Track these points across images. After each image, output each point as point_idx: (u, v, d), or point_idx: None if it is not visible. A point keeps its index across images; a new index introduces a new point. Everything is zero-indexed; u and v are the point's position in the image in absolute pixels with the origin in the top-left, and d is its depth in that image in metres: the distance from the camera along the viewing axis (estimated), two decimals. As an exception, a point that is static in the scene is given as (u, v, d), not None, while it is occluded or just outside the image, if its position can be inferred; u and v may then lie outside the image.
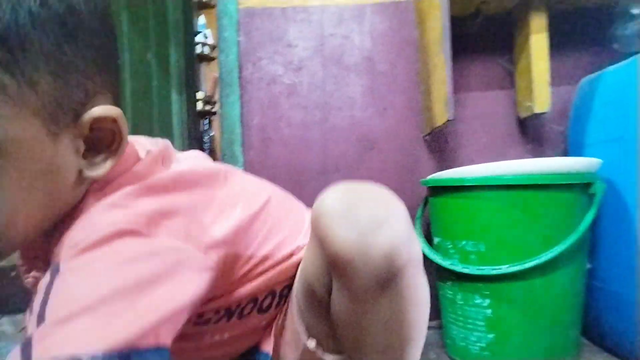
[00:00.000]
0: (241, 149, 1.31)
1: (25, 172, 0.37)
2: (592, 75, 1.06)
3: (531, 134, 1.22)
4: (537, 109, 1.09)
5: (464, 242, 0.92)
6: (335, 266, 0.40)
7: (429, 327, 0.59)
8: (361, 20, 1.26)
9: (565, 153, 1.16)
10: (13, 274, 1.71)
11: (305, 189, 1.24)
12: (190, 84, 1.24)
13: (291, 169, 1.26)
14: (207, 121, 3.41)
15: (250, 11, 1.29)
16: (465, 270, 0.90)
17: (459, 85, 1.22)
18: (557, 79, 1.17)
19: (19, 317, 1.68)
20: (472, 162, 1.20)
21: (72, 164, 0.40)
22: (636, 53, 0.91)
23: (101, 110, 0.39)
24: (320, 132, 1.26)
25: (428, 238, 1.06)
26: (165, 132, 1.14)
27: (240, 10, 1.29)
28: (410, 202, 1.17)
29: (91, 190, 0.42)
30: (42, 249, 0.44)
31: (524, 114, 1.16)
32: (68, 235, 0.39)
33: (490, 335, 0.90)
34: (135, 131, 0.97)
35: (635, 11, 1.14)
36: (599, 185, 0.87)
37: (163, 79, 1.13)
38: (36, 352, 0.31)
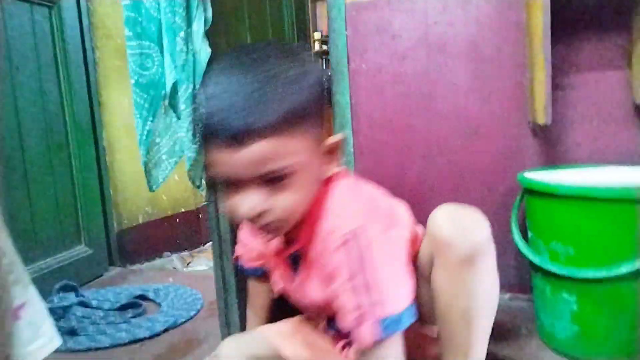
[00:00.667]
0: (351, 132, 1.45)
1: (309, 177, 0.65)
2: None
3: (649, 120, 1.16)
4: (654, 98, 1.04)
5: (553, 243, 0.98)
6: (439, 248, 0.69)
7: (524, 301, 0.80)
8: (466, 5, 1.26)
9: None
10: (178, 220, 2.14)
11: (409, 171, 1.35)
12: (302, 28, 1.38)
13: (397, 152, 1.37)
14: (324, 61, 3.53)
15: (357, 4, 1.36)
16: (554, 270, 0.97)
17: (567, 66, 1.19)
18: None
19: (184, 254, 2.12)
20: (580, 152, 1.19)
21: (319, 167, 0.67)
22: None
23: (336, 137, 0.69)
24: (425, 118, 1.34)
25: (523, 229, 1.13)
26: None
27: (347, 4, 1.37)
28: (510, 189, 1.23)
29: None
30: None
31: (639, 100, 1.11)
32: (325, 221, 0.67)
33: (576, 328, 0.98)
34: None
35: None
36: None
37: (278, 22, 1.28)
38: (373, 314, 0.60)
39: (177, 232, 2.16)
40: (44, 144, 1.61)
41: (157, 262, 2.04)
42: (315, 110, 0.63)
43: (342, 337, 0.79)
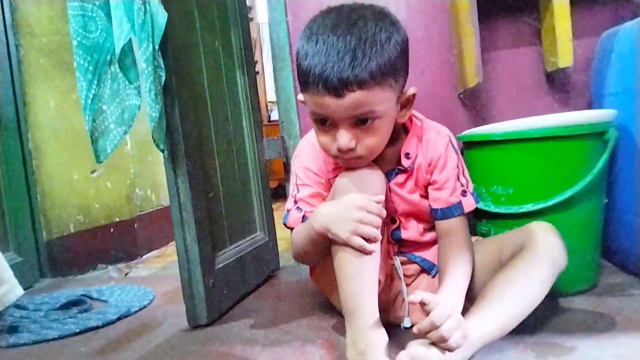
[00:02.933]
0: (297, 116, 1.51)
1: (389, 122, 0.80)
2: (612, 29, 1.16)
3: (558, 85, 1.34)
4: (561, 64, 1.21)
5: (495, 187, 1.09)
6: (541, 251, 0.85)
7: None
8: (397, -10, 1.39)
9: (589, 103, 1.29)
10: (112, 229, 2.03)
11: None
12: (249, 63, 1.43)
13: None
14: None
15: (296, -8, 1.44)
16: (497, 210, 1.08)
17: (489, 44, 1.35)
18: (581, 32, 1.28)
19: (120, 265, 2.01)
20: (503, 115, 1.34)
21: (395, 115, 0.83)
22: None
23: (412, 90, 0.83)
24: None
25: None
26: (234, 106, 1.35)
27: (287, -9, 1.45)
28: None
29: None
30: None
31: (550, 69, 1.29)
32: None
33: (519, 262, 1.09)
34: (213, 110, 1.18)
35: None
36: (611, 132, 1.01)
37: (229, 62, 1.32)
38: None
39: (112, 243, 2.04)
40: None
41: (92, 274, 1.91)
42: (400, 66, 0.77)
43: (400, 246, 0.99)
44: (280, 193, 2.55)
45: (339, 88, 0.71)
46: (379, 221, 0.75)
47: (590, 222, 1.08)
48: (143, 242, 2.16)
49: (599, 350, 0.79)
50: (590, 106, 1.30)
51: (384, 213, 0.77)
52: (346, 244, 0.75)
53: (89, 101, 0.99)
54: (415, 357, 0.71)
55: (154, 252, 2.22)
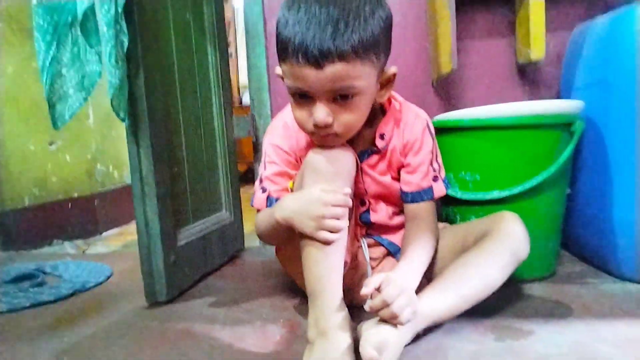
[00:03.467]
0: (268, 95, 1.47)
1: (368, 100, 0.78)
2: (584, 24, 1.18)
3: (529, 77, 1.36)
4: (534, 56, 1.23)
5: (462, 173, 1.10)
6: (504, 237, 0.86)
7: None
8: (375, -27, 1.37)
9: (558, 95, 1.31)
10: (70, 205, 1.95)
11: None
12: (222, 39, 1.38)
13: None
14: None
15: (273, -33, 1.40)
16: (464, 197, 1.09)
17: (464, 34, 1.35)
18: (554, 26, 1.29)
19: (78, 242, 1.93)
20: (474, 104, 1.34)
21: (375, 94, 0.80)
22: (626, 3, 1.03)
23: (393, 69, 0.81)
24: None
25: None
26: (204, 81, 1.30)
27: (264, -34, 1.41)
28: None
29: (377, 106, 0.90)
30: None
31: (522, 60, 1.30)
32: (379, 129, 0.90)
33: (483, 249, 1.10)
34: (181, 82, 1.14)
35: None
36: (578, 124, 1.03)
37: (200, 35, 1.28)
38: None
39: (69, 219, 1.96)
40: None
41: (47, 250, 1.83)
42: (383, 43, 0.75)
43: (367, 228, 0.99)
44: (249, 177, 2.52)
45: (319, 59, 0.68)
46: (345, 213, 0.74)
47: (552, 211, 1.10)
48: (103, 219, 2.09)
49: (556, 335, 0.81)
50: (558, 99, 1.32)
51: (350, 202, 0.75)
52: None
53: (47, 63, 0.94)
54: (367, 332, 0.72)
55: (115, 230, 2.15)
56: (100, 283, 1.24)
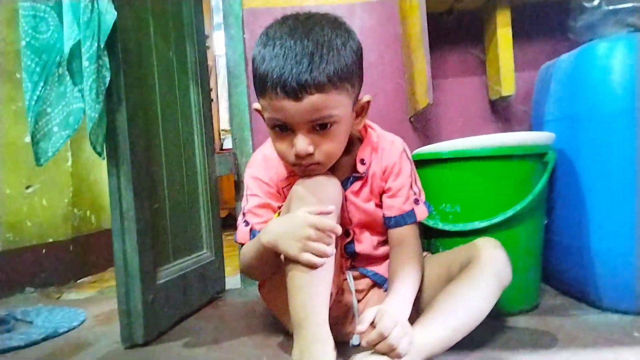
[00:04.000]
0: (250, 133, 1.49)
1: (346, 128, 0.80)
2: (550, 62, 1.25)
3: (500, 113, 1.41)
4: (504, 93, 1.28)
5: (443, 205, 1.11)
6: (487, 265, 0.86)
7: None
8: (352, 17, 1.44)
9: (530, 129, 1.36)
10: (45, 250, 1.88)
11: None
12: (204, 78, 1.41)
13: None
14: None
15: (254, 11, 1.46)
16: (446, 228, 1.10)
17: (437, 73, 1.41)
18: (523, 65, 1.36)
19: (51, 289, 1.86)
20: (451, 139, 1.38)
21: (352, 122, 0.83)
22: (589, 41, 1.09)
23: (367, 97, 0.85)
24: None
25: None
26: (186, 119, 1.32)
27: (245, 10, 1.46)
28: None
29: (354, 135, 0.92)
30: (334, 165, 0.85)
31: (493, 97, 1.35)
32: (358, 155, 0.91)
33: (466, 280, 1.10)
34: (163, 119, 1.15)
35: (587, 4, 1.32)
36: (551, 155, 1.07)
37: (183, 73, 1.30)
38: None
39: (43, 265, 1.90)
40: None
41: (18, 297, 1.75)
42: (356, 72, 0.78)
43: (352, 260, 0.98)
44: (230, 223, 2.49)
45: (297, 91, 0.71)
46: (330, 238, 0.73)
47: (532, 241, 1.11)
48: (78, 266, 2.02)
49: (543, 364, 0.80)
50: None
51: (338, 230, 0.74)
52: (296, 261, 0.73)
53: (33, 103, 0.94)
54: None
55: (90, 277, 2.08)
56: (74, 328, 1.18)
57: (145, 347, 1.01)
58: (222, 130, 4.26)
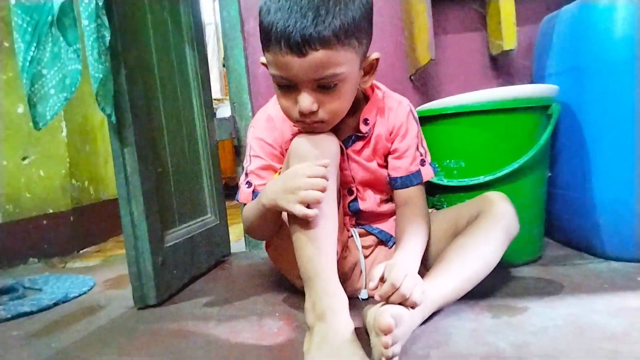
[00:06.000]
0: (249, 96, 1.47)
1: (352, 86, 0.78)
2: (551, 14, 1.23)
3: (502, 68, 1.40)
4: (506, 47, 1.27)
5: (447, 161, 1.12)
6: (497, 217, 0.87)
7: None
8: (349, -27, 1.40)
9: (532, 83, 1.35)
10: (45, 222, 1.88)
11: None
12: (200, 41, 1.38)
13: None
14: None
15: (248, -31, 1.41)
16: (450, 183, 1.11)
17: (438, 29, 1.39)
18: (523, 19, 1.34)
19: (54, 259, 1.86)
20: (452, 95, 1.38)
21: (358, 80, 0.81)
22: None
23: (375, 54, 0.82)
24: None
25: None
26: (184, 81, 1.29)
27: (239, -32, 1.42)
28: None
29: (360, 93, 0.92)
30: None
31: (495, 52, 1.34)
32: (362, 114, 0.91)
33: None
34: (162, 81, 1.13)
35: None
36: (554, 107, 1.07)
37: (178, 36, 1.27)
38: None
39: (44, 236, 1.90)
40: None
41: (21, 268, 1.76)
42: (364, 28, 0.75)
43: (357, 218, 0.99)
44: (227, 192, 2.49)
45: (301, 46, 0.68)
46: (322, 183, 0.71)
47: (536, 193, 1.12)
48: (80, 236, 2.03)
49: (550, 310, 0.82)
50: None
51: (327, 174, 0.72)
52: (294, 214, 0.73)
53: (27, 64, 0.91)
54: (381, 307, 0.71)
55: (93, 247, 2.09)
56: (84, 293, 1.20)
57: (158, 307, 1.03)
58: (215, 99, 4.20)
